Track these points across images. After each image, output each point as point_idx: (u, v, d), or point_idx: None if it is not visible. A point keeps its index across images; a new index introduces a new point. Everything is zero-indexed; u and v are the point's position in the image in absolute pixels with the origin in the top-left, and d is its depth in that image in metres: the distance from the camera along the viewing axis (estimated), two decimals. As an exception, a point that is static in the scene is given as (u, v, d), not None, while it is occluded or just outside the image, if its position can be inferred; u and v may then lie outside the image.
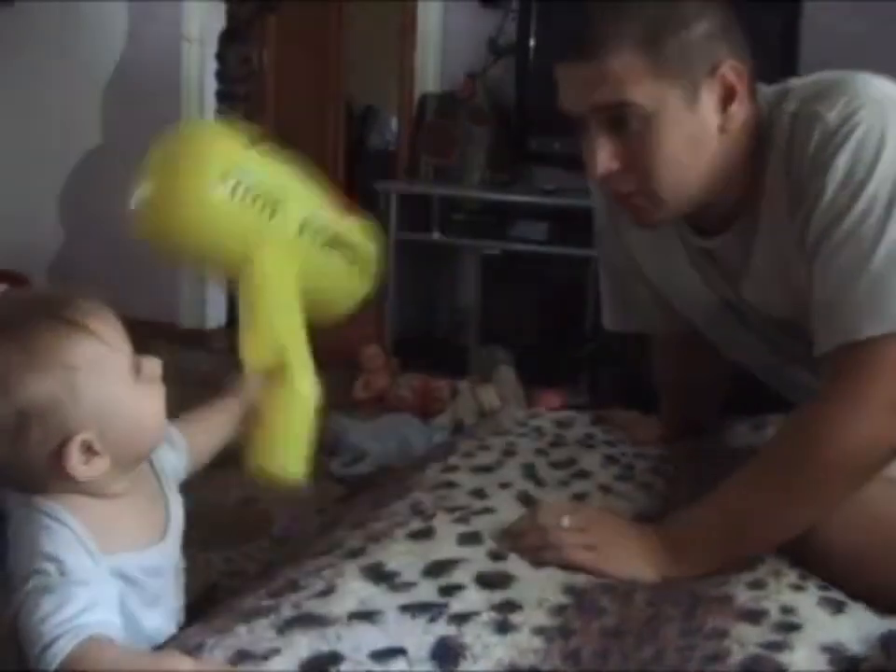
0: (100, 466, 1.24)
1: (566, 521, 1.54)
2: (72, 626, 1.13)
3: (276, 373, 1.61)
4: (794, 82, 1.63)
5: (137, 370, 1.28)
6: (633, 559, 1.52)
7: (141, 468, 1.37)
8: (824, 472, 1.47)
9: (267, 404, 1.58)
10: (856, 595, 1.44)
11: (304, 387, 1.60)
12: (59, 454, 1.21)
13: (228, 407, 1.57)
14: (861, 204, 1.46)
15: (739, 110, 1.55)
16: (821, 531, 1.49)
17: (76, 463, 1.21)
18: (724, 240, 1.70)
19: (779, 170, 1.58)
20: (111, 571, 1.24)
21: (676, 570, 1.51)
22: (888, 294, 1.43)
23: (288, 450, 1.58)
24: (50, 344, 1.20)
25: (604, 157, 1.55)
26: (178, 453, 1.47)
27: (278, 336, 1.63)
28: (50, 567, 1.17)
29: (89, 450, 1.22)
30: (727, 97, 1.54)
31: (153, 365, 1.30)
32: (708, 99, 1.53)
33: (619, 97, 1.50)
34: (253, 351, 1.62)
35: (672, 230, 1.76)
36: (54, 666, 1.12)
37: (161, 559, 1.34)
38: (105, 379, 1.23)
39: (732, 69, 1.53)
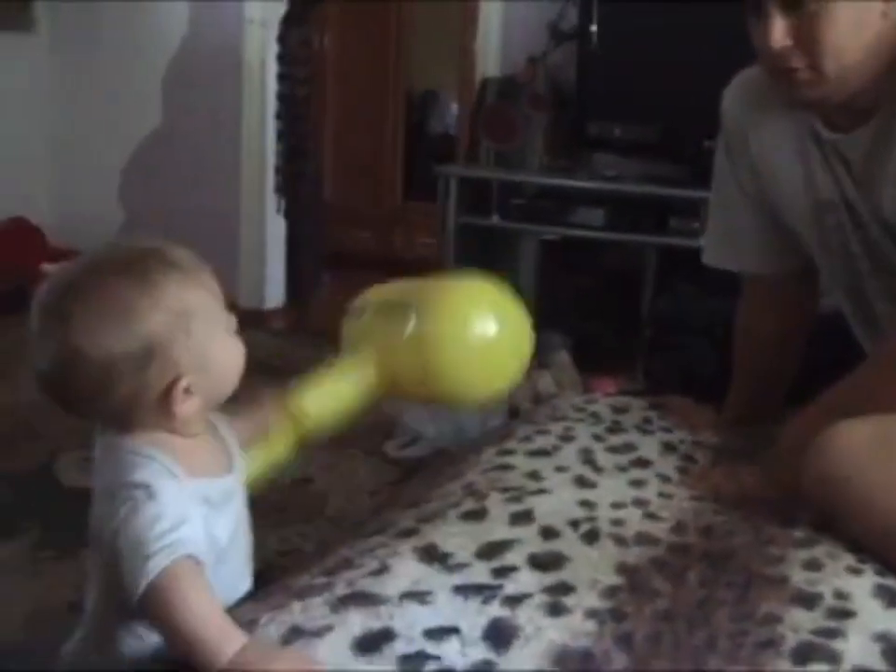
0: (193, 406, 1.31)
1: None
2: (167, 542, 1.19)
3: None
4: None
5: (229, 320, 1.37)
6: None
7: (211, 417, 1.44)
8: None
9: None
10: None
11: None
12: (169, 391, 1.28)
13: (259, 417, 1.60)
14: None
15: None
16: (870, 494, 1.54)
17: (179, 402, 1.29)
18: (858, 135, 1.82)
19: None
20: (196, 493, 1.30)
21: None
22: None
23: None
24: (170, 289, 1.27)
25: (779, 34, 1.70)
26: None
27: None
28: (139, 493, 1.23)
29: (187, 390, 1.29)
30: None
31: (233, 320, 1.39)
32: None
33: None
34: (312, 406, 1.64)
35: (806, 128, 1.89)
36: (150, 579, 1.17)
37: (233, 487, 1.40)
38: (212, 327, 1.32)
39: None
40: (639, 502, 1.69)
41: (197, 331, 1.29)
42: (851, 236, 1.91)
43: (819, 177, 1.91)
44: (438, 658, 1.21)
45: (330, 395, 1.66)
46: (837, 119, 1.84)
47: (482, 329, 1.65)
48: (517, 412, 3.46)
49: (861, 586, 1.41)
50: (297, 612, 1.29)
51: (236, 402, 1.50)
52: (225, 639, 1.17)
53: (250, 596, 1.42)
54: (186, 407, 1.30)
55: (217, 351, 1.33)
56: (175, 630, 1.17)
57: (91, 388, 1.26)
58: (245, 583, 1.44)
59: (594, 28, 4.27)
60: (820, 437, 1.60)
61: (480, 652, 1.22)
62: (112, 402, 1.27)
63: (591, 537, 1.54)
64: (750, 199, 2.06)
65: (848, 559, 1.48)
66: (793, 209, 2.00)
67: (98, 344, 1.24)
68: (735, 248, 2.13)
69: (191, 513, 1.25)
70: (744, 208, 2.08)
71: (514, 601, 1.33)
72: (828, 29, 1.68)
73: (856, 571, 1.45)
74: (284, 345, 4.80)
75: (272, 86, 5.20)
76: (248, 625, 1.25)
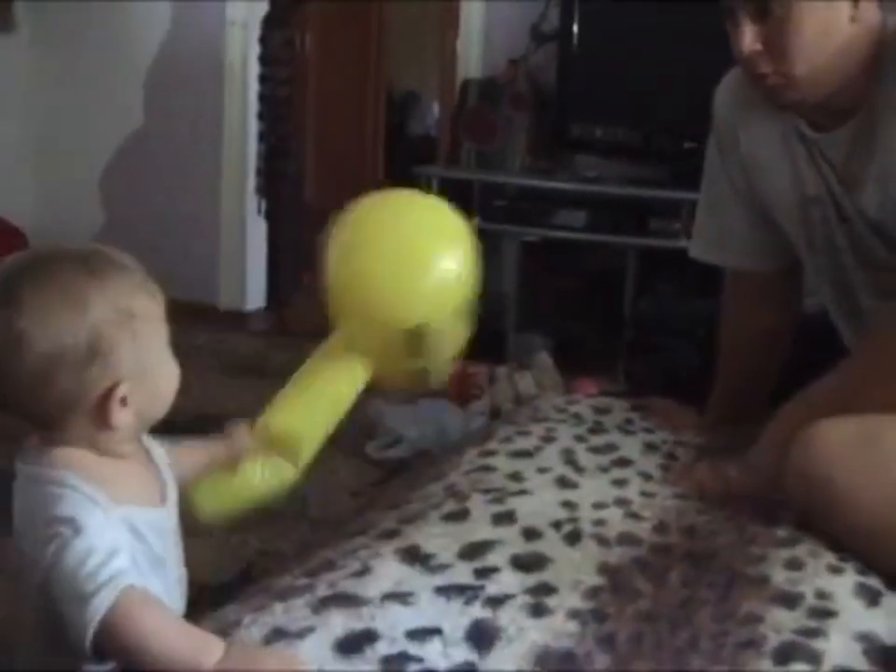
0: (125, 418, 1.26)
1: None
2: (105, 578, 1.14)
3: (273, 447, 1.59)
4: None
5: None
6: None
7: (143, 442, 1.39)
8: None
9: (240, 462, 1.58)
10: (880, 560, 1.49)
11: (276, 479, 1.59)
12: (106, 395, 1.23)
13: (215, 449, 1.56)
14: None
15: (869, 5, 1.74)
16: (854, 496, 1.54)
17: (114, 408, 1.24)
18: (839, 135, 1.85)
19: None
20: (122, 521, 1.24)
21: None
22: None
23: (217, 500, 1.58)
24: (124, 291, 1.24)
25: (749, 39, 1.74)
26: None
27: (307, 427, 1.62)
28: (65, 529, 1.17)
29: (122, 400, 1.24)
30: None
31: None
32: None
33: None
34: (281, 418, 1.61)
35: (791, 127, 1.92)
36: (96, 621, 1.12)
37: (164, 520, 1.34)
38: (154, 337, 1.28)
39: None
40: (621, 502, 1.70)
41: (141, 337, 1.25)
42: (836, 230, 1.92)
43: (805, 174, 1.93)
44: (420, 659, 1.21)
45: (308, 406, 1.63)
46: (818, 119, 1.87)
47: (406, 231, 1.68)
48: (499, 413, 3.46)
49: (843, 585, 1.41)
50: (279, 614, 1.28)
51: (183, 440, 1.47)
52: (202, 649, 1.15)
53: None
54: (120, 418, 1.25)
55: (156, 363, 1.29)
56: (146, 659, 1.14)
57: (31, 380, 1.21)
58: (176, 608, 1.36)
59: (575, 29, 4.27)
60: (802, 436, 1.61)
61: (462, 653, 1.22)
62: (48, 400, 1.22)
63: (573, 537, 1.54)
64: (740, 196, 2.08)
65: (830, 558, 1.49)
66: (781, 205, 2.01)
67: (45, 331, 1.19)
68: (724, 244, 2.15)
69: (121, 542, 1.21)
70: (734, 205, 2.10)
71: (496, 602, 1.33)
72: (795, 34, 1.71)
73: (837, 570, 1.46)
74: (265, 347, 4.79)
75: (253, 87, 5.19)
76: (231, 627, 1.25)
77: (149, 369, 1.27)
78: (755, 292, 2.16)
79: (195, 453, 1.52)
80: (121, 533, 1.23)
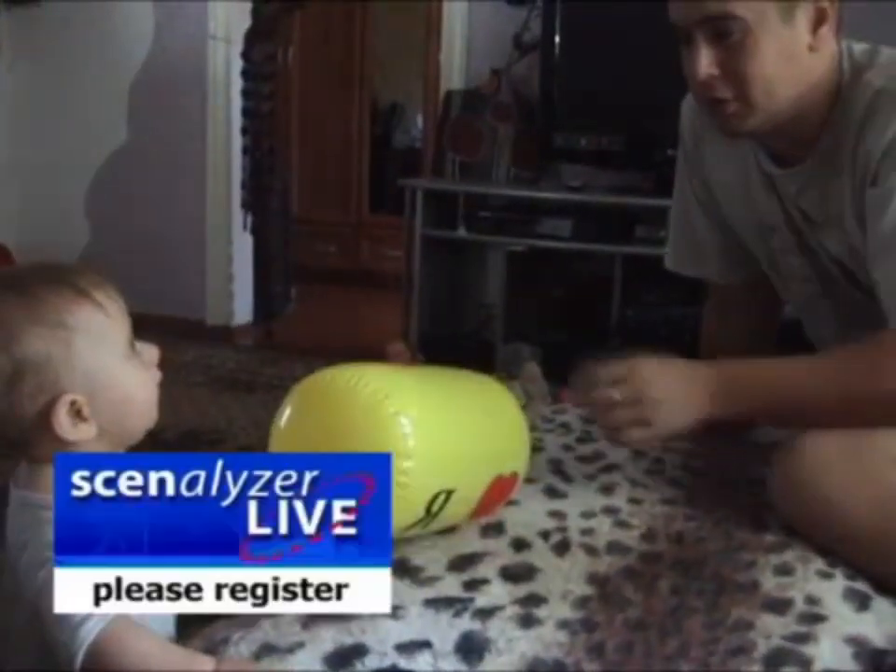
0: (86, 431, 1.25)
1: (616, 395, 1.64)
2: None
3: None
4: (885, 50, 1.76)
5: (133, 348, 1.31)
6: (687, 409, 1.66)
7: None
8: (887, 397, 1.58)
9: None
10: (885, 581, 1.46)
11: None
12: (48, 410, 1.23)
13: None
14: None
15: (828, 36, 1.69)
16: (840, 512, 1.53)
17: (63, 422, 1.23)
18: (792, 173, 1.81)
19: (851, 134, 1.71)
20: None
21: (721, 409, 1.64)
22: None
23: None
24: (53, 304, 1.23)
25: (706, 63, 1.68)
26: None
27: None
28: (53, 554, 1.17)
29: (78, 413, 1.24)
30: (818, 20, 1.67)
31: (151, 351, 1.34)
32: (802, 17, 1.67)
33: (724, 10, 1.65)
34: None
35: (751, 154, 1.88)
36: (84, 649, 1.13)
37: None
38: (101, 347, 1.26)
39: None
40: (609, 510, 1.69)
41: (83, 349, 1.24)
42: (799, 260, 1.90)
43: (764, 204, 1.90)
44: (410, 672, 1.21)
45: None
46: (776, 150, 1.84)
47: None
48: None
49: (832, 590, 1.41)
50: (268, 629, 1.28)
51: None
52: (193, 668, 1.16)
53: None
54: (76, 431, 1.24)
55: (110, 372, 1.27)
56: None
57: None
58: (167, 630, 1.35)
59: (557, 39, 4.28)
60: (787, 450, 1.60)
61: (452, 665, 1.22)
62: (2, 424, 1.24)
63: (562, 547, 1.54)
64: (708, 212, 2.05)
65: (819, 563, 1.49)
66: (741, 228, 2.00)
67: None
68: (697, 256, 2.13)
69: None
70: (701, 218, 2.07)
71: (486, 614, 1.32)
72: (754, 60, 1.66)
73: (826, 575, 1.46)
74: (251, 361, 4.79)
75: (236, 102, 5.19)
76: (220, 644, 1.24)
77: (104, 379, 1.26)
78: (732, 301, 2.14)
79: None
80: None
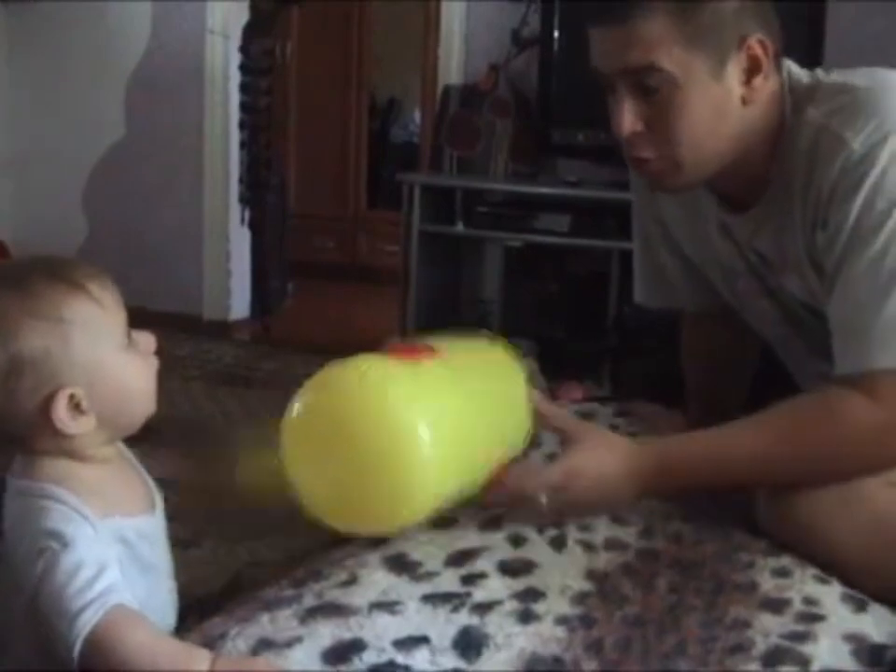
0: (85, 424, 1.26)
1: (543, 499, 1.53)
2: (93, 596, 1.15)
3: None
4: (825, 79, 1.65)
5: (130, 338, 1.31)
6: (616, 492, 1.57)
7: (123, 451, 1.40)
8: (831, 446, 1.52)
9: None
10: (881, 595, 1.44)
11: None
12: (47, 405, 1.24)
13: None
14: (882, 237, 1.49)
15: (763, 85, 1.58)
16: (829, 535, 1.51)
17: (63, 416, 1.24)
18: (744, 219, 1.74)
19: (798, 176, 1.62)
20: (110, 531, 1.26)
21: (655, 489, 1.59)
22: None
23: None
24: (48, 298, 1.24)
25: (629, 118, 1.58)
26: None
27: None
28: (53, 543, 1.19)
29: (76, 407, 1.25)
30: (752, 70, 1.57)
31: (147, 339, 1.35)
32: (734, 70, 1.56)
33: (648, 61, 1.53)
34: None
35: (701, 198, 1.80)
36: (83, 637, 1.14)
37: (153, 527, 1.36)
38: (98, 339, 1.27)
39: (759, 43, 1.56)
40: (606, 506, 1.69)
41: (79, 342, 1.24)
42: (766, 301, 1.84)
43: (721, 247, 1.83)
44: (408, 668, 1.20)
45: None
46: (725, 195, 1.76)
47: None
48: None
49: (830, 593, 1.42)
50: (266, 624, 1.28)
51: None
52: (189, 663, 1.16)
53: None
54: (76, 424, 1.25)
55: (107, 363, 1.27)
56: None
57: None
58: (167, 623, 1.38)
59: (556, 34, 4.27)
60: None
61: (450, 661, 1.22)
62: (1, 421, 1.25)
63: (559, 543, 1.54)
64: (668, 246, 2.00)
65: (815, 569, 1.49)
66: (706, 268, 1.94)
67: None
68: (664, 287, 2.07)
69: (109, 556, 1.22)
70: (664, 254, 2.02)
71: (484, 609, 1.33)
72: (682, 119, 1.56)
73: (824, 581, 1.46)
74: (249, 357, 4.79)
75: (234, 96, 5.19)
76: (217, 639, 1.24)
77: (100, 370, 1.27)
78: (707, 324, 2.09)
79: None
80: (110, 544, 1.25)
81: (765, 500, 1.60)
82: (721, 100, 1.57)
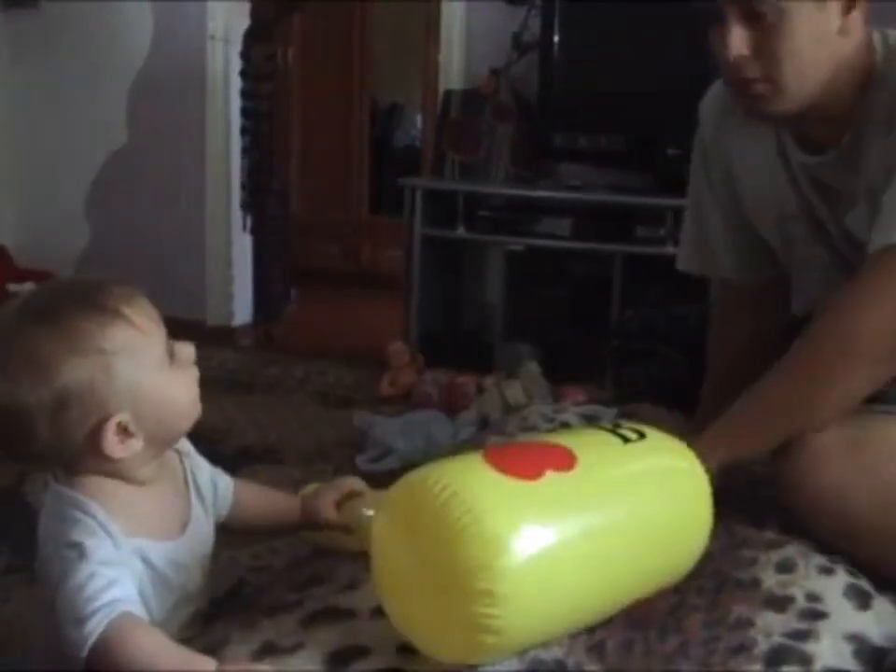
0: (134, 446, 1.29)
1: None
2: (102, 603, 1.17)
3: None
4: None
5: (171, 354, 1.33)
6: None
7: (171, 461, 1.42)
8: (842, 357, 1.65)
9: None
10: (869, 562, 1.50)
11: None
12: (96, 434, 1.26)
13: (288, 503, 1.60)
14: None
15: (858, 19, 1.71)
16: (843, 502, 1.56)
17: (111, 443, 1.27)
18: (824, 159, 1.83)
19: (883, 118, 1.74)
20: (133, 552, 1.28)
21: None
22: None
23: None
24: (86, 331, 1.25)
25: (737, 43, 1.70)
26: (221, 490, 1.51)
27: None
28: (72, 553, 1.22)
29: (125, 431, 1.27)
30: (849, 4, 1.70)
31: (187, 350, 1.36)
32: (834, 1, 1.69)
33: None
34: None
35: (776, 142, 1.90)
36: (90, 642, 1.16)
37: (181, 553, 1.37)
38: (139, 363, 1.28)
39: None
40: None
41: (122, 370, 1.26)
42: (817, 248, 1.91)
43: (785, 192, 1.91)
44: (410, 673, 1.20)
45: None
46: (804, 135, 1.85)
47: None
48: (487, 422, 3.46)
49: (833, 587, 1.42)
50: (268, 630, 1.28)
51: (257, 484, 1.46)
52: (194, 667, 1.16)
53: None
54: (124, 448, 1.28)
55: (152, 385, 1.29)
56: None
57: (13, 433, 1.26)
58: None
59: (556, 38, 4.27)
60: (791, 445, 1.61)
61: (453, 666, 1.22)
62: (38, 446, 1.26)
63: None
64: (723, 208, 2.06)
65: (820, 559, 1.49)
66: (760, 218, 2.00)
67: (11, 393, 1.23)
68: (709, 256, 2.13)
69: (124, 573, 1.24)
70: (717, 217, 2.08)
71: (486, 613, 1.32)
72: (786, 41, 1.68)
73: (828, 571, 1.46)
74: (252, 362, 4.79)
75: (236, 102, 5.18)
76: (220, 645, 1.24)
77: (144, 393, 1.29)
78: (742, 300, 2.15)
79: (260, 499, 1.57)
80: (131, 560, 1.27)
81: (780, 469, 1.64)
82: (823, 28, 1.69)
